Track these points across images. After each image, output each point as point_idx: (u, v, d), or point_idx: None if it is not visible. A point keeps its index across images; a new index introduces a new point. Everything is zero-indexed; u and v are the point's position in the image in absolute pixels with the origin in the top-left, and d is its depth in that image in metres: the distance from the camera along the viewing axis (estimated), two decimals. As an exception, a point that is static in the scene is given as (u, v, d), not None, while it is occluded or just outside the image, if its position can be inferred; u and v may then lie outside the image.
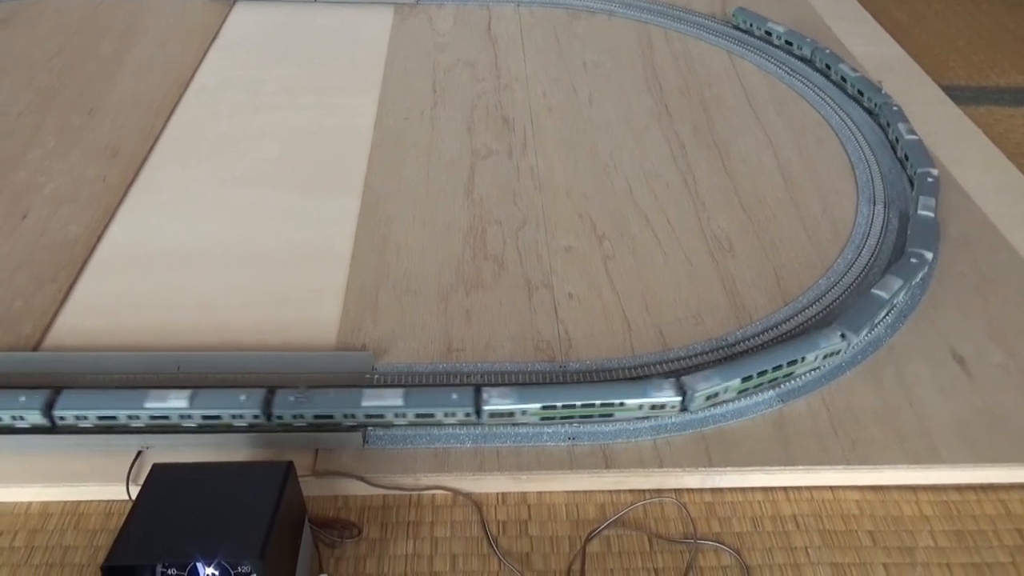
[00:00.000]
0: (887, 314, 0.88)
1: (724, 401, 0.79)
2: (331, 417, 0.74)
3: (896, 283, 0.87)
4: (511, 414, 0.75)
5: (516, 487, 0.75)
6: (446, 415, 0.75)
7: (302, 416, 0.73)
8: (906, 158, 1.10)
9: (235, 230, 1.01)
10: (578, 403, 0.75)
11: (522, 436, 0.76)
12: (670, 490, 0.76)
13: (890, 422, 0.79)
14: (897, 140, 1.14)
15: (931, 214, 0.99)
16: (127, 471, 0.72)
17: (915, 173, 1.06)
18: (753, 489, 0.76)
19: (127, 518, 0.56)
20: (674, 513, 0.74)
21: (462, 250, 0.99)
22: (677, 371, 0.82)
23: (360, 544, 0.71)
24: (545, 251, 0.99)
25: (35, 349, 0.84)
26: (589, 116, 1.26)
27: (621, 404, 0.76)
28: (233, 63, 1.37)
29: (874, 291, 0.86)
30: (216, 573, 0.57)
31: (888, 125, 1.18)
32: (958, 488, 0.77)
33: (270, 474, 0.60)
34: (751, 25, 1.48)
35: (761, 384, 0.79)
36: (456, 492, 0.75)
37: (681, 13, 1.55)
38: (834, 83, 1.33)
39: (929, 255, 0.93)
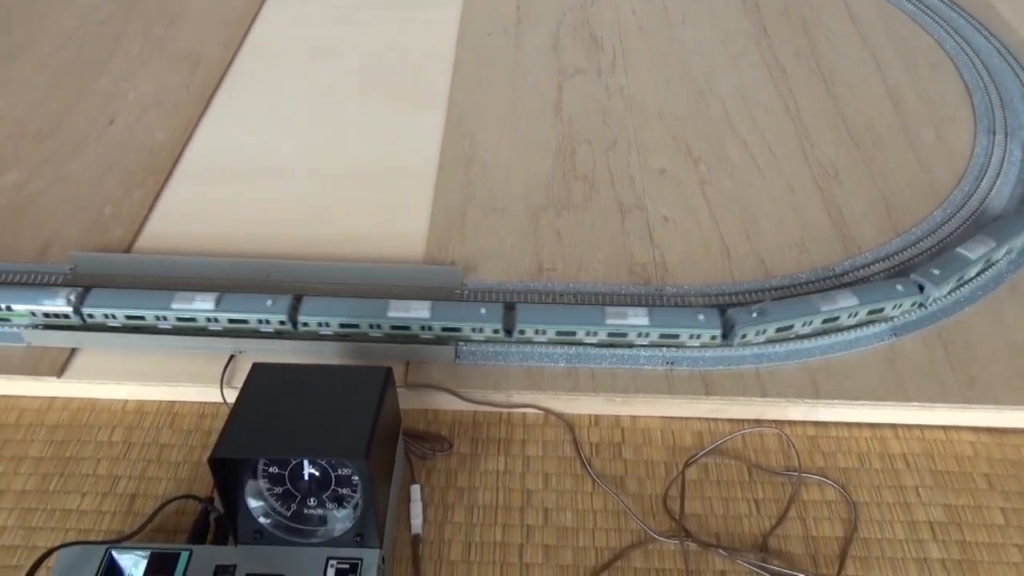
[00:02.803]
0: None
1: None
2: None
3: None
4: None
5: (610, 410, 0.73)
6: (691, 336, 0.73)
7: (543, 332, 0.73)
8: None
9: (318, 142, 0.99)
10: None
11: (618, 358, 0.73)
12: (770, 421, 0.73)
13: (1014, 361, 0.73)
14: None
15: None
16: (220, 374, 0.71)
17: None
18: (860, 425, 0.72)
19: (231, 414, 0.55)
20: (775, 445, 0.71)
21: (552, 170, 0.95)
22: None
23: (451, 458, 0.70)
24: (637, 172, 0.94)
25: (127, 252, 0.84)
26: (682, 37, 1.19)
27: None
28: (311, -25, 1.32)
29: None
30: (316, 473, 0.57)
31: None
32: (1084, 434, 0.72)
33: (370, 377, 0.58)
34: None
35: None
36: (548, 412, 0.72)
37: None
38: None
39: None
